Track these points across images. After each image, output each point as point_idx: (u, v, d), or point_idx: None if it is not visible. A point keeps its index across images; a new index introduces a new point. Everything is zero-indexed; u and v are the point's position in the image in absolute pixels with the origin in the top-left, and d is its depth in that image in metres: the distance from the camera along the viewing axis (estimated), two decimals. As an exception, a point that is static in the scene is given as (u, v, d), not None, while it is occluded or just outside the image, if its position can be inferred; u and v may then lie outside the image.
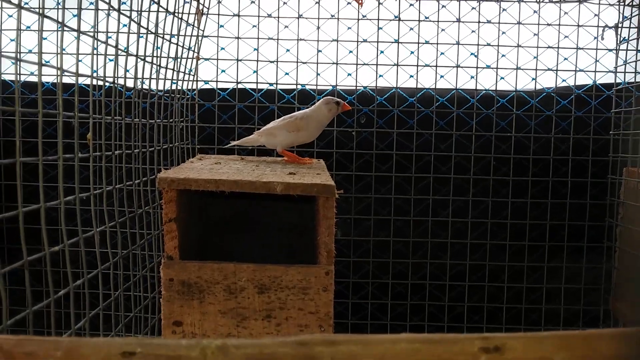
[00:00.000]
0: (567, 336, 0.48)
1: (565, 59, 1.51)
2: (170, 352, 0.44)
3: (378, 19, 1.49)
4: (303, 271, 0.87)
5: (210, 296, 0.87)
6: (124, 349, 0.44)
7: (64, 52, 0.79)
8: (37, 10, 0.72)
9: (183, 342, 0.45)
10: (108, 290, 0.98)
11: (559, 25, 1.49)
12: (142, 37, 1.10)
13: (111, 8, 0.93)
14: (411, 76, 1.51)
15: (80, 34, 0.83)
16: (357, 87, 1.51)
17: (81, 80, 0.85)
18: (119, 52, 0.98)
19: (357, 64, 1.50)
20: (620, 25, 1.48)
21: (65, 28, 0.79)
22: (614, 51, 1.50)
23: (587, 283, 1.53)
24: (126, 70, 1.04)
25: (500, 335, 0.47)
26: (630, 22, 1.45)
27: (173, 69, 1.29)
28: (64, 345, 0.46)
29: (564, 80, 1.52)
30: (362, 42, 1.50)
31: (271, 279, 0.87)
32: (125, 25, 1.06)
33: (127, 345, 0.45)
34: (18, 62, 0.71)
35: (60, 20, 0.77)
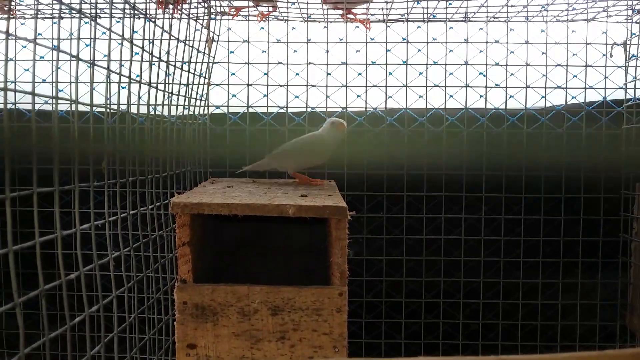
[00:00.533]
0: (583, 357, 0.48)
1: (575, 76, 1.51)
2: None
3: (386, 42, 1.51)
4: (316, 292, 0.87)
5: (224, 319, 0.88)
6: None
7: (78, 81, 0.82)
8: (51, 44, 0.74)
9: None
10: (123, 313, 0.99)
11: (567, 43, 1.50)
12: (154, 65, 1.12)
13: (123, 39, 0.95)
14: (420, 96, 1.52)
15: (94, 65, 0.85)
16: (367, 109, 1.53)
17: (95, 109, 0.87)
18: (132, 80, 1.01)
19: (366, 86, 1.51)
20: (628, 42, 1.49)
21: (79, 59, 0.81)
22: (624, 67, 1.50)
23: (602, 299, 1.52)
24: (139, 98, 1.07)
25: (516, 357, 0.47)
26: (639, 38, 1.45)
27: (184, 96, 1.31)
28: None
29: (573, 98, 1.53)
30: (370, 64, 1.51)
31: (284, 300, 0.87)
32: (137, 53, 1.09)
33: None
34: (33, 97, 0.73)
35: (74, 53, 0.79)
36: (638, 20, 1.45)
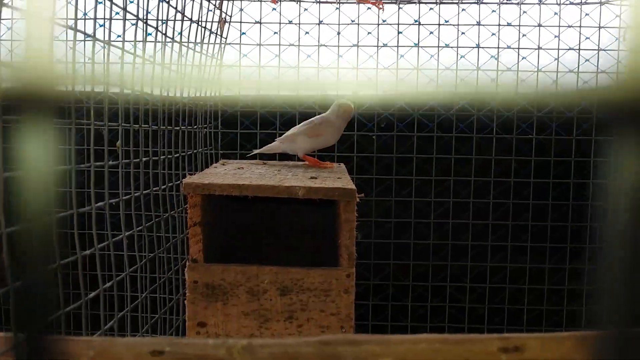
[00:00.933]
0: (586, 336, 0.48)
1: (587, 60, 1.50)
2: (198, 351, 0.46)
3: (398, 24, 1.50)
4: (324, 274, 0.89)
5: (234, 298, 0.89)
6: (153, 348, 0.46)
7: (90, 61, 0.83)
8: (66, 23, 0.75)
9: (210, 341, 0.47)
10: (135, 292, 1.02)
11: (580, 26, 1.49)
12: (168, 45, 1.13)
13: (137, 19, 0.96)
14: (432, 80, 1.52)
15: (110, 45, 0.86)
16: (377, 92, 1.53)
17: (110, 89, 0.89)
18: (145, 61, 1.01)
19: (377, 69, 1.51)
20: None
21: (94, 39, 0.82)
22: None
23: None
24: (152, 79, 1.07)
25: (519, 335, 0.48)
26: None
27: (197, 77, 1.31)
28: (96, 345, 0.49)
29: (585, 82, 1.52)
30: (382, 46, 1.51)
31: (293, 281, 0.89)
32: (150, 34, 1.09)
33: (157, 344, 0.47)
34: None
35: (90, 32, 0.80)
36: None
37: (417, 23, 1.50)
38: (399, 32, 1.51)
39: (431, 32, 1.51)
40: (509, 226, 1.53)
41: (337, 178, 1.01)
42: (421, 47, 1.51)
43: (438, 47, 1.50)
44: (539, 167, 1.52)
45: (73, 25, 0.74)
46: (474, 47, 1.50)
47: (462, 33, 1.51)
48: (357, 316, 0.93)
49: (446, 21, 1.51)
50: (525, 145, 1.52)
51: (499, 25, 1.50)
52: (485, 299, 1.56)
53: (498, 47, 1.50)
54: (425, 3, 1.50)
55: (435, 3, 1.50)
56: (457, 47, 1.50)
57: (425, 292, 1.57)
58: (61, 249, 0.71)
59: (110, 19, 0.88)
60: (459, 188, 1.53)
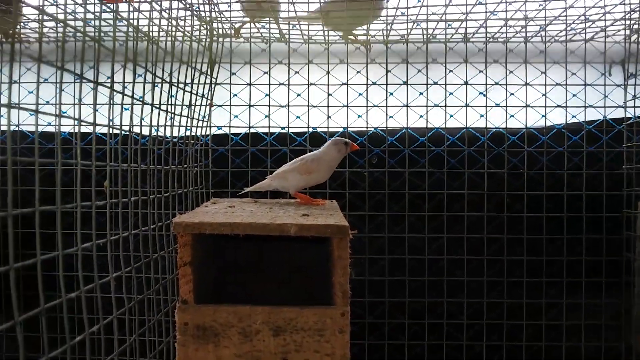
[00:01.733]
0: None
1: (574, 95, 1.52)
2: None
3: (387, 62, 1.52)
4: (319, 312, 0.87)
5: (226, 340, 0.87)
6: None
7: (81, 103, 0.82)
8: (55, 63, 0.75)
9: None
10: (123, 335, 0.99)
11: (566, 62, 1.51)
12: (157, 86, 1.13)
13: (128, 60, 0.96)
14: (421, 116, 1.53)
15: (98, 85, 0.86)
16: (368, 129, 1.53)
17: (98, 129, 0.88)
18: (135, 101, 1.01)
19: (367, 106, 1.52)
20: (627, 61, 1.50)
21: (83, 79, 0.82)
22: (622, 86, 1.51)
23: (607, 319, 1.50)
24: (141, 119, 1.07)
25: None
26: (637, 57, 1.46)
27: (187, 116, 1.32)
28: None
29: (574, 117, 1.53)
30: (371, 84, 1.52)
31: (286, 321, 0.87)
32: (140, 75, 1.09)
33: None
34: (37, 114, 0.74)
35: (78, 72, 0.79)
36: (636, 40, 1.46)
37: (405, 62, 1.52)
38: (387, 71, 1.53)
39: (419, 70, 1.53)
40: (504, 261, 1.52)
41: (329, 215, 1.00)
42: (410, 84, 1.52)
43: (427, 84, 1.52)
44: (532, 202, 1.52)
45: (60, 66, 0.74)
46: (462, 84, 1.52)
47: (450, 71, 1.53)
48: (353, 356, 0.90)
49: (434, 59, 1.53)
50: (517, 179, 1.52)
51: (486, 62, 1.52)
52: (482, 336, 1.53)
53: (486, 84, 1.52)
54: (413, 42, 1.53)
55: (423, 42, 1.52)
56: (446, 84, 1.52)
57: (422, 330, 1.54)
58: (46, 291, 0.69)
59: (98, 59, 0.88)
60: (452, 223, 1.52)
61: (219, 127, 1.55)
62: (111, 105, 0.94)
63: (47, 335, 0.70)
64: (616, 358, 1.51)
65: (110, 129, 0.93)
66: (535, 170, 1.53)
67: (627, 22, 1.40)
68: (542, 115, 1.52)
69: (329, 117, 1.52)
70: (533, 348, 1.53)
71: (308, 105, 1.52)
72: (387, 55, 1.52)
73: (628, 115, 1.50)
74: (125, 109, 1.05)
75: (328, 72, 1.52)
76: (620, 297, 1.50)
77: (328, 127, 1.53)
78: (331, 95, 1.52)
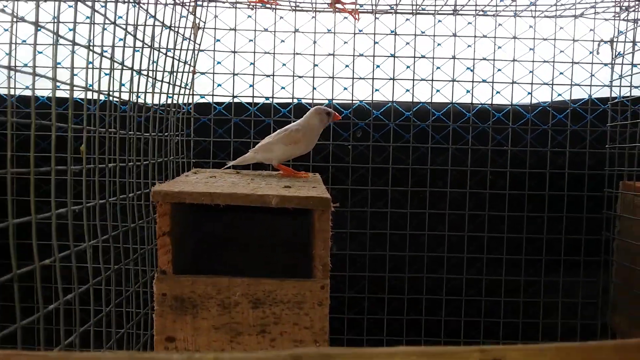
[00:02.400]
0: (566, 348, 0.47)
1: (561, 73, 1.51)
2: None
3: (374, 34, 1.49)
4: (298, 285, 0.86)
5: (204, 311, 0.86)
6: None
7: (58, 65, 0.79)
8: (33, 22, 0.71)
9: (175, 356, 0.43)
10: (100, 306, 0.97)
11: (555, 39, 1.50)
12: (138, 50, 1.09)
13: (107, 21, 0.93)
14: (407, 90, 1.51)
15: (75, 47, 0.83)
16: (354, 101, 1.51)
17: (76, 94, 0.85)
18: (115, 65, 0.98)
19: (353, 78, 1.50)
20: (615, 39, 1.49)
21: (61, 40, 0.78)
22: (610, 65, 1.50)
23: (584, 297, 1.52)
24: (121, 84, 1.04)
25: (499, 347, 0.46)
26: (626, 36, 1.46)
27: (169, 83, 1.28)
28: (52, 359, 0.45)
29: (559, 95, 1.53)
30: (358, 56, 1.50)
31: (266, 293, 0.86)
32: (121, 39, 1.06)
33: (118, 359, 0.44)
34: (12, 73, 0.71)
35: (55, 31, 0.76)
36: (625, 18, 1.45)
37: (393, 33, 1.50)
38: (375, 42, 1.50)
39: (407, 43, 1.50)
40: (485, 238, 1.52)
41: (311, 187, 0.98)
42: (397, 57, 1.50)
43: (414, 57, 1.50)
44: (515, 179, 1.52)
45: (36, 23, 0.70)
46: (449, 59, 1.50)
47: (438, 44, 1.51)
48: (332, 330, 0.90)
49: (422, 32, 1.50)
50: (501, 157, 1.52)
51: (475, 37, 1.50)
52: (461, 312, 1.54)
53: (474, 59, 1.50)
54: (402, 13, 1.50)
55: (412, 14, 1.50)
56: (433, 57, 1.50)
57: (401, 305, 1.55)
58: (20, 260, 0.67)
59: (75, 21, 0.84)
60: (435, 199, 1.52)
61: (202, 96, 1.51)
62: (90, 69, 0.91)
63: (20, 305, 0.68)
64: (591, 335, 1.53)
65: (89, 94, 0.90)
66: (519, 148, 1.52)
67: None
68: (528, 93, 1.52)
69: (314, 88, 1.50)
70: (510, 325, 1.55)
71: (293, 76, 1.49)
72: (376, 26, 1.49)
73: (614, 94, 1.50)
74: (105, 74, 1.01)
75: (315, 42, 1.49)
76: (598, 276, 1.51)
77: (313, 99, 1.50)
78: (317, 66, 1.49)
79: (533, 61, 1.50)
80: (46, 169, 0.73)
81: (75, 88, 0.82)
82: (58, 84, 0.77)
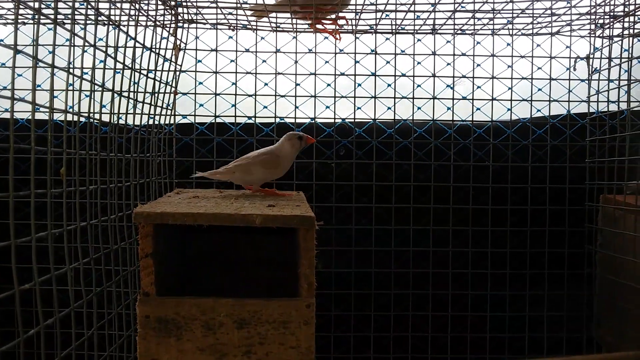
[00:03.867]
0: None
1: (540, 89, 1.54)
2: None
3: (355, 53, 1.51)
4: (283, 304, 0.85)
5: (188, 333, 0.85)
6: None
7: (38, 88, 0.78)
8: (12, 46, 0.71)
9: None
10: (82, 329, 0.95)
11: (532, 57, 1.53)
12: (119, 72, 1.09)
13: (87, 43, 0.93)
14: (389, 108, 1.52)
15: (55, 70, 0.82)
16: (336, 120, 1.52)
17: (56, 116, 0.84)
18: (95, 87, 0.98)
19: (335, 97, 1.51)
20: (591, 56, 1.52)
21: (40, 64, 0.78)
22: (587, 81, 1.53)
23: (569, 310, 1.53)
24: (102, 106, 1.03)
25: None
26: (602, 53, 1.49)
27: (150, 104, 1.28)
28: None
29: (538, 110, 1.55)
30: (339, 75, 1.51)
31: (251, 313, 0.85)
32: (101, 61, 1.06)
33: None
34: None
35: (34, 55, 0.76)
36: (601, 35, 1.49)
37: (373, 53, 1.51)
38: (355, 62, 1.51)
39: (387, 62, 1.52)
40: (469, 253, 1.53)
41: (295, 206, 0.98)
42: (378, 76, 1.51)
43: (395, 76, 1.51)
44: (497, 194, 1.53)
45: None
46: (429, 77, 1.52)
47: (418, 63, 1.52)
48: (318, 348, 0.89)
49: (402, 51, 1.52)
50: (482, 172, 1.53)
51: (454, 55, 1.52)
52: (447, 327, 1.54)
53: (453, 76, 1.52)
54: (382, 33, 1.52)
55: (391, 33, 1.52)
56: (414, 76, 1.52)
57: (387, 322, 1.54)
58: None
59: (54, 43, 0.84)
60: (419, 216, 1.53)
61: (184, 116, 1.51)
62: (71, 92, 0.90)
63: (0, 329, 0.66)
64: (578, 349, 1.54)
65: (69, 116, 0.89)
66: (501, 163, 1.54)
67: (592, 16, 1.41)
68: (508, 109, 1.54)
69: (296, 107, 1.50)
70: (497, 339, 1.55)
71: (275, 95, 1.50)
72: (356, 45, 1.51)
73: (591, 110, 1.53)
74: (86, 96, 1.01)
75: (296, 62, 1.50)
76: (582, 289, 1.52)
77: (295, 118, 1.51)
78: (299, 85, 1.50)
79: (512, 78, 1.52)
80: (26, 192, 0.72)
81: (55, 110, 0.81)
82: (37, 106, 0.76)
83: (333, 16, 1.42)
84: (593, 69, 1.52)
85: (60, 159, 0.87)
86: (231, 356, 0.85)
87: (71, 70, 0.88)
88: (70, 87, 0.91)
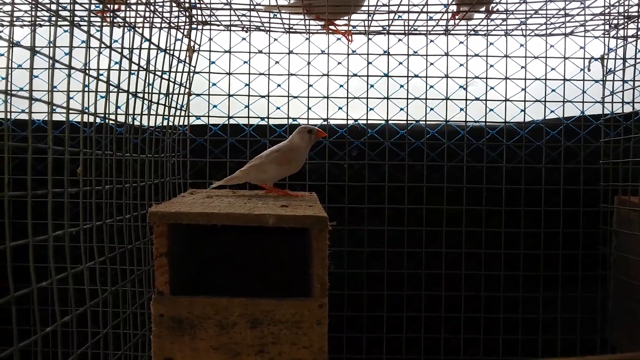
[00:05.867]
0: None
1: (553, 90, 1.53)
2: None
3: (368, 54, 1.51)
4: (296, 305, 0.86)
5: (202, 332, 0.85)
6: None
7: (55, 89, 0.79)
8: (29, 46, 0.72)
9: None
10: (97, 328, 0.96)
11: (546, 57, 1.52)
12: (134, 73, 1.10)
13: (103, 45, 0.94)
14: (401, 109, 1.52)
15: (72, 71, 0.83)
16: (348, 121, 1.52)
17: (72, 117, 0.85)
18: (111, 88, 0.99)
19: (347, 98, 1.51)
20: (606, 56, 1.51)
21: (57, 65, 0.79)
22: (601, 82, 1.52)
23: (583, 312, 1.52)
24: (117, 107, 1.04)
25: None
26: (616, 53, 1.48)
27: (164, 105, 1.29)
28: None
29: (552, 112, 1.54)
30: (352, 76, 1.51)
31: (264, 313, 0.85)
32: (117, 62, 1.07)
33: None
34: (9, 98, 0.71)
35: (51, 56, 0.77)
36: (615, 35, 1.48)
37: (386, 54, 1.51)
38: (368, 63, 1.52)
39: (400, 63, 1.52)
40: (482, 254, 1.52)
41: (308, 206, 0.99)
42: (391, 77, 1.51)
43: (407, 77, 1.51)
44: (510, 195, 1.52)
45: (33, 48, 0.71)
46: (442, 77, 1.52)
47: (431, 64, 1.52)
48: (331, 349, 0.89)
49: (415, 52, 1.52)
50: (496, 173, 1.53)
51: (467, 56, 1.52)
52: (460, 329, 1.54)
53: (466, 77, 1.52)
54: (394, 34, 1.52)
55: (404, 34, 1.52)
56: (427, 77, 1.52)
57: (400, 323, 1.54)
58: (17, 282, 0.66)
59: (71, 45, 0.85)
60: (431, 216, 1.52)
61: (198, 117, 1.52)
62: (86, 92, 0.91)
63: (17, 327, 0.68)
64: (591, 351, 1.53)
65: (85, 117, 0.91)
66: (514, 165, 1.53)
67: (607, 17, 1.41)
68: (521, 110, 1.53)
69: (309, 108, 1.51)
70: (510, 341, 1.54)
71: (288, 96, 1.51)
72: (369, 46, 1.51)
73: (606, 111, 1.52)
74: (101, 97, 1.02)
75: (309, 63, 1.50)
76: (597, 291, 1.51)
77: (308, 119, 1.51)
78: (311, 86, 1.51)
79: (525, 79, 1.51)
80: (43, 192, 0.73)
81: (71, 111, 0.82)
82: (54, 107, 0.77)
83: (346, 17, 1.43)
84: (607, 70, 1.51)
85: (75, 159, 0.88)
86: (244, 355, 0.85)
87: (87, 72, 0.89)
88: (86, 88, 0.92)
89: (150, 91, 1.17)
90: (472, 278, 1.53)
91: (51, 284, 0.76)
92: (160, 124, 1.31)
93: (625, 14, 1.39)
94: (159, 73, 1.22)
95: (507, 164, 1.53)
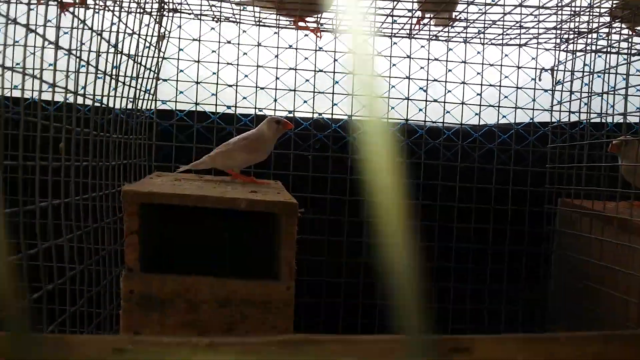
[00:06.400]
0: (528, 339, 0.52)
1: (506, 97, 1.62)
2: (161, 349, 0.45)
3: (335, 51, 1.55)
4: (264, 286, 0.89)
5: (171, 309, 0.87)
6: (114, 346, 0.45)
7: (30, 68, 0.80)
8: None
9: (176, 339, 0.46)
10: (63, 306, 0.97)
11: (501, 65, 1.60)
12: (102, 55, 1.10)
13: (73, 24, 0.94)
14: (364, 106, 1.57)
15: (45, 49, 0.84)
16: (314, 114, 1.56)
17: (44, 96, 0.86)
18: (80, 67, 0.99)
19: (314, 92, 1.55)
20: (555, 68, 1.61)
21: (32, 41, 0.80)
22: (550, 92, 1.62)
23: (525, 307, 1.61)
24: (84, 87, 1.04)
25: (469, 337, 0.51)
26: (565, 66, 1.58)
27: (131, 86, 1.29)
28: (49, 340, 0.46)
29: (504, 117, 1.63)
30: (318, 71, 1.55)
31: (232, 292, 0.88)
32: (84, 43, 1.07)
33: (118, 341, 0.46)
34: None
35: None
36: (565, 49, 1.57)
37: (351, 52, 1.56)
38: (334, 60, 1.56)
39: (395, 64, 1.57)
40: (435, 247, 1.59)
41: (276, 193, 1.02)
42: (355, 74, 1.56)
43: (372, 76, 1.56)
44: (463, 194, 1.60)
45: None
46: (404, 78, 1.58)
47: (394, 65, 1.58)
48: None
49: (380, 53, 1.58)
50: (450, 172, 1.60)
51: (428, 59, 1.58)
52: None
53: (427, 80, 1.58)
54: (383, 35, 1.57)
55: (370, 35, 1.57)
56: (390, 77, 1.57)
57: (356, 311, 1.59)
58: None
59: (45, 24, 0.85)
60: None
61: (164, 102, 1.53)
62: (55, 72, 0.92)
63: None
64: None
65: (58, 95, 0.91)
66: (467, 164, 1.61)
67: (558, 31, 1.50)
68: (476, 114, 1.61)
69: (275, 100, 1.54)
70: (457, 331, 1.62)
71: (256, 87, 1.53)
72: (336, 44, 1.56)
73: (554, 119, 1.62)
74: (70, 77, 1.02)
75: (277, 56, 1.53)
76: (539, 287, 1.61)
77: (275, 110, 1.54)
78: (279, 79, 1.54)
79: (481, 84, 1.59)
80: (14, 163, 0.74)
81: (44, 87, 0.83)
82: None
83: (316, 16, 1.47)
84: (556, 81, 1.61)
85: (58, 137, 0.89)
86: (212, 333, 0.88)
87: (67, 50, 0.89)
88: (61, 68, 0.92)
89: (117, 73, 1.18)
90: (424, 270, 1.60)
91: (21, 259, 0.76)
92: (125, 107, 1.31)
93: (576, 30, 1.49)
94: (127, 55, 1.22)
95: (461, 163, 1.60)
